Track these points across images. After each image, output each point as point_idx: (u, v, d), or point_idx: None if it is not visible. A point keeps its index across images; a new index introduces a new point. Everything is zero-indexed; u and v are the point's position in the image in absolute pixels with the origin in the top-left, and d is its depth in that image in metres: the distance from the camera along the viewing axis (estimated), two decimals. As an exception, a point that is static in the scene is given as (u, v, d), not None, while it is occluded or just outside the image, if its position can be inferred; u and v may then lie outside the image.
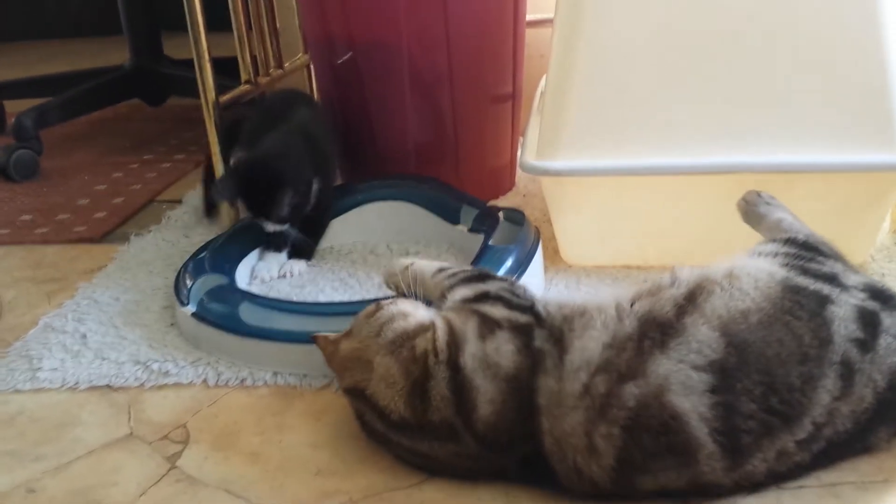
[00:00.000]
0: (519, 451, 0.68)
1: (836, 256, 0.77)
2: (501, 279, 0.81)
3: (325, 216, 1.21)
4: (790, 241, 0.77)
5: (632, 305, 0.70)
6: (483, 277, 0.79)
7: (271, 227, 1.11)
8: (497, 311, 0.73)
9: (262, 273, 1.14)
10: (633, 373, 0.65)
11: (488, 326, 0.70)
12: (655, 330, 0.67)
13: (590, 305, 0.71)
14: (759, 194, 0.89)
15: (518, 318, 0.72)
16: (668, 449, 0.63)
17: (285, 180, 1.07)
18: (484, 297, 0.75)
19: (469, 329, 0.71)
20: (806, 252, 0.76)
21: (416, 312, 0.75)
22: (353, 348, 0.75)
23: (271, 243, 1.15)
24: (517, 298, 0.75)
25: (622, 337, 0.67)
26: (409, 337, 0.72)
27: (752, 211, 0.88)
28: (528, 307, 0.73)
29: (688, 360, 0.65)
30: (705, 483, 0.65)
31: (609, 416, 0.64)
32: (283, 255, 1.16)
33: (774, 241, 0.79)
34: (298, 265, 1.16)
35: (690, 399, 0.64)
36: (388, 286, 0.86)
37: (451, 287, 0.78)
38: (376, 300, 0.80)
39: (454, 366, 0.69)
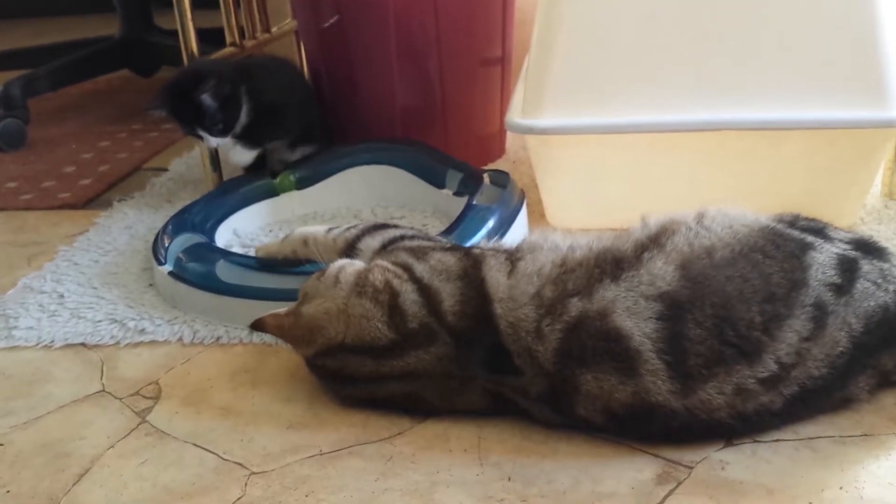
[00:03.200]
0: (485, 340, 0.69)
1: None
2: (406, 227, 0.87)
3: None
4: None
5: (589, 243, 0.73)
6: (386, 225, 0.87)
7: (213, 142, 1.12)
8: (420, 243, 0.79)
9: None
10: (577, 292, 0.67)
11: (421, 252, 0.76)
12: (609, 263, 0.69)
13: (535, 238, 0.75)
14: None
15: (444, 244, 0.79)
16: (608, 353, 0.65)
17: (202, 77, 1.09)
18: (399, 238, 0.81)
19: (406, 258, 0.75)
20: (800, 215, 0.75)
21: (355, 262, 0.79)
22: (319, 305, 0.74)
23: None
24: (433, 237, 0.83)
25: (572, 262, 0.70)
26: (363, 276, 0.74)
27: None
28: (449, 243, 0.80)
29: (637, 290, 0.66)
30: (654, 404, 0.64)
31: (554, 314, 0.67)
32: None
33: None
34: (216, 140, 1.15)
35: (634, 320, 0.65)
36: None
37: (358, 237, 0.83)
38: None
39: (414, 279, 0.73)
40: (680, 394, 0.64)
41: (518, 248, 0.74)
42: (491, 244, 0.78)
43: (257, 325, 0.79)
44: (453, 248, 0.77)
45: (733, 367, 0.64)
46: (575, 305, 0.66)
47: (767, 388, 0.65)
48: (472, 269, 0.72)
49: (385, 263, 0.75)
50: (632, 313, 0.65)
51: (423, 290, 0.71)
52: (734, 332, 0.64)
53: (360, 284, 0.73)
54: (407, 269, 0.73)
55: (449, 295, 0.71)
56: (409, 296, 0.71)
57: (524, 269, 0.70)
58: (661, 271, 0.67)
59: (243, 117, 1.13)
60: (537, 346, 0.67)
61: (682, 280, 0.66)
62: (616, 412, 0.66)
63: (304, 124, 1.24)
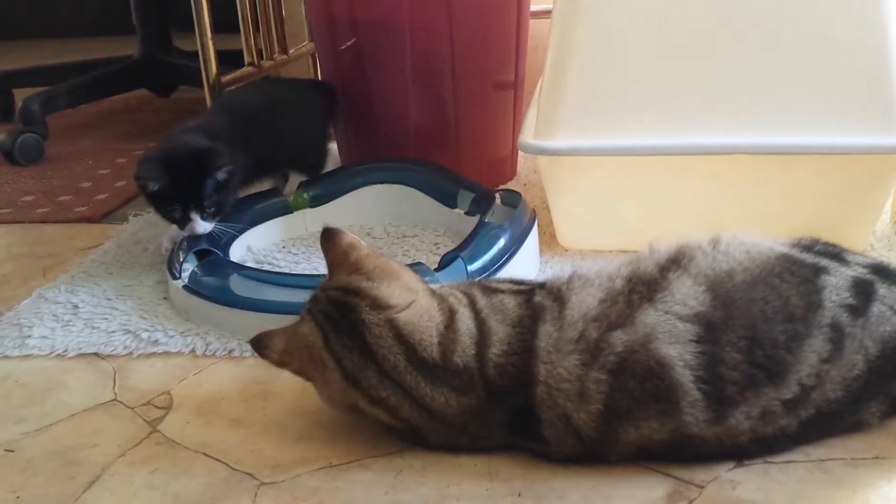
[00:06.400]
0: (514, 401, 0.67)
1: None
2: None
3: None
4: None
5: (619, 270, 0.72)
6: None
7: (200, 228, 1.02)
8: (492, 284, 0.77)
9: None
10: (621, 322, 0.66)
11: (488, 289, 0.74)
12: (642, 286, 0.69)
13: (587, 271, 0.74)
14: None
15: (514, 287, 0.76)
16: (653, 395, 0.64)
17: (212, 155, 1.01)
18: (472, 283, 0.79)
19: (472, 290, 0.74)
20: (820, 239, 0.75)
21: None
22: (406, 272, 0.73)
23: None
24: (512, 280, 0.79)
25: (614, 293, 0.69)
26: (433, 288, 0.75)
27: None
28: (524, 284, 0.76)
29: (673, 312, 0.66)
30: (688, 435, 0.64)
31: (600, 360, 0.65)
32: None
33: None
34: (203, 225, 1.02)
35: (676, 347, 0.64)
36: None
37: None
38: None
39: (474, 309, 0.71)
40: (713, 422, 0.64)
41: (569, 288, 0.71)
42: (549, 281, 0.74)
43: (328, 234, 0.73)
44: (518, 293, 0.73)
45: (761, 389, 0.64)
46: (619, 339, 0.65)
47: (788, 411, 0.65)
48: (528, 319, 0.69)
49: (451, 288, 0.75)
50: (672, 337, 0.64)
51: (480, 323, 0.69)
52: (762, 352, 0.64)
53: (432, 291, 0.73)
54: (470, 297, 0.72)
55: (498, 340, 0.68)
56: (465, 321, 0.69)
57: (570, 317, 0.68)
58: (691, 291, 0.67)
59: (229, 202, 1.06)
60: (579, 412, 0.65)
61: (714, 301, 0.66)
62: (650, 449, 0.66)
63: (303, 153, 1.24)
